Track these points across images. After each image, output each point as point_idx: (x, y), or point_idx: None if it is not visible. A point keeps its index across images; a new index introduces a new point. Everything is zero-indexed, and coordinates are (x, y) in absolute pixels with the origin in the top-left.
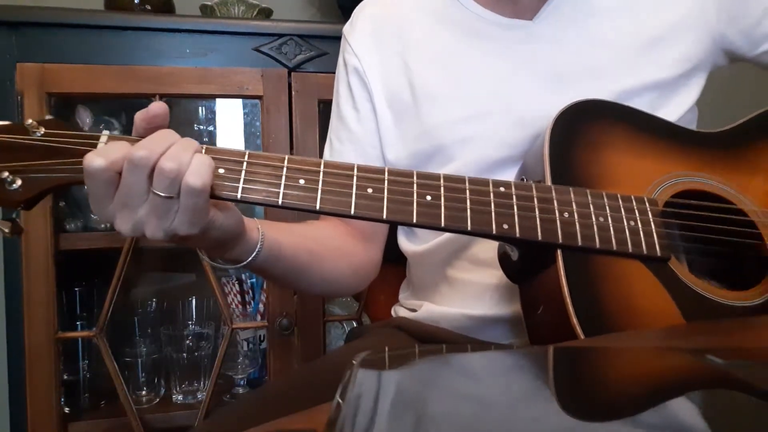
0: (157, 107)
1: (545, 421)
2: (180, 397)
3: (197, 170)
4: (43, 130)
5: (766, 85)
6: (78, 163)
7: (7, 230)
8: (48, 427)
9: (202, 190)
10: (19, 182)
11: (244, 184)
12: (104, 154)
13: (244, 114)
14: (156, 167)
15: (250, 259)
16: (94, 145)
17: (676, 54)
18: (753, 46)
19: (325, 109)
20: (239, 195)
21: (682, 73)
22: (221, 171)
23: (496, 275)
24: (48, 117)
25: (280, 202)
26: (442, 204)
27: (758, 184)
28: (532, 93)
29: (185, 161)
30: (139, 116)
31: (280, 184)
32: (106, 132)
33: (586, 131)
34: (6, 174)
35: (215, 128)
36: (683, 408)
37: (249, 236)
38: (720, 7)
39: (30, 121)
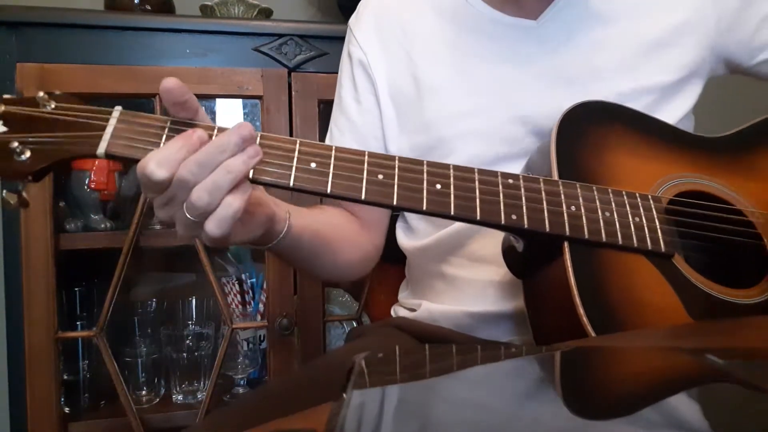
0: (166, 85)
1: (550, 419)
2: (180, 397)
3: (220, 221)
4: (54, 104)
5: (763, 93)
6: (88, 137)
7: (13, 202)
8: (48, 427)
9: (220, 238)
10: (28, 153)
11: (253, 167)
12: (166, 164)
13: (244, 114)
14: (188, 198)
15: (269, 245)
16: (106, 120)
17: (675, 59)
18: (750, 56)
19: (325, 109)
20: (251, 175)
21: (680, 78)
22: None
23: (496, 272)
24: (58, 92)
25: (291, 184)
26: (452, 193)
27: (756, 187)
28: (533, 92)
29: (214, 200)
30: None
31: (291, 166)
32: (118, 107)
33: (592, 131)
34: (16, 144)
35: None
36: (684, 407)
37: (275, 228)
38: (719, 16)
39: (41, 93)
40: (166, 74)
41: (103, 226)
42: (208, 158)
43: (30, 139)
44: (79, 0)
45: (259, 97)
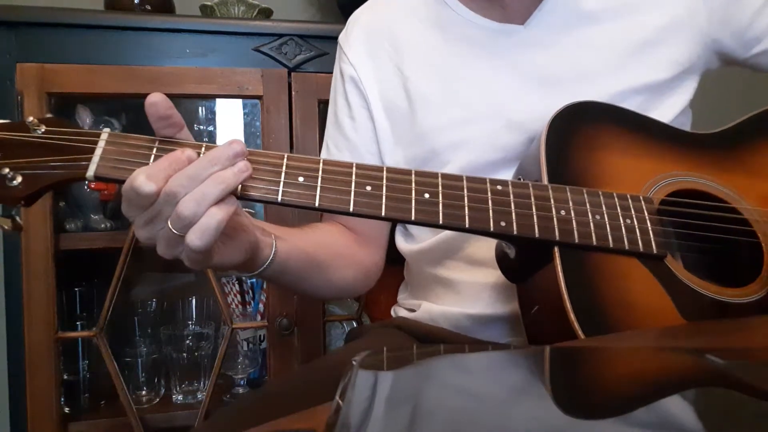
0: (151, 98)
1: (541, 419)
2: (180, 397)
3: (201, 230)
4: (43, 128)
5: (756, 87)
6: (77, 160)
7: (6, 227)
8: (48, 427)
9: (202, 250)
10: (19, 179)
11: (243, 181)
12: (155, 178)
13: (244, 114)
14: (175, 209)
15: (256, 272)
16: (95, 142)
17: (667, 57)
18: (745, 49)
19: (325, 108)
20: (238, 192)
21: (674, 76)
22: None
23: (493, 274)
24: (48, 115)
25: (279, 200)
26: (440, 201)
27: (750, 183)
28: (524, 97)
29: (201, 211)
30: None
31: (279, 181)
32: (107, 129)
33: (581, 132)
34: (7, 170)
35: (215, 128)
36: (681, 407)
37: (260, 255)
38: (711, 10)
39: (31, 118)
40: (166, 74)
41: (103, 226)
42: (198, 171)
43: (21, 165)
44: (79, 0)
45: (259, 97)
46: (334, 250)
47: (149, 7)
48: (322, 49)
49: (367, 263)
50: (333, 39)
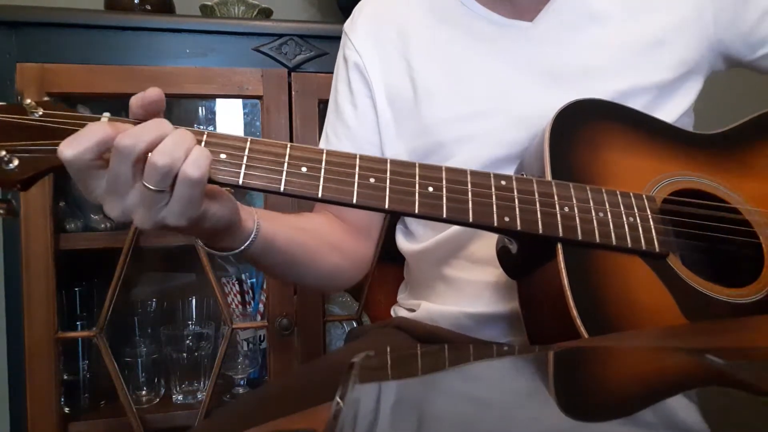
0: (153, 93)
1: (544, 421)
2: (180, 397)
3: (196, 161)
4: (41, 111)
5: (758, 88)
6: None
7: (2, 211)
8: (48, 427)
9: (200, 181)
10: (16, 162)
11: (246, 170)
12: (74, 143)
13: (244, 114)
14: (148, 161)
15: (242, 247)
16: None
17: (673, 57)
18: (750, 51)
19: (324, 108)
20: (240, 181)
21: (679, 76)
22: (223, 156)
23: (494, 273)
24: (46, 98)
25: (282, 189)
26: (444, 195)
27: (752, 184)
28: (531, 93)
29: (179, 156)
30: (135, 101)
31: (282, 171)
32: (106, 114)
33: (585, 129)
34: (3, 153)
35: (215, 128)
36: (682, 407)
37: (243, 226)
38: (717, 12)
39: (29, 101)
40: (166, 74)
41: (103, 226)
42: (151, 124)
43: (18, 148)
44: (79, 0)
45: (259, 97)
46: (321, 237)
47: (149, 7)
48: (322, 49)
49: (355, 254)
50: (333, 39)
